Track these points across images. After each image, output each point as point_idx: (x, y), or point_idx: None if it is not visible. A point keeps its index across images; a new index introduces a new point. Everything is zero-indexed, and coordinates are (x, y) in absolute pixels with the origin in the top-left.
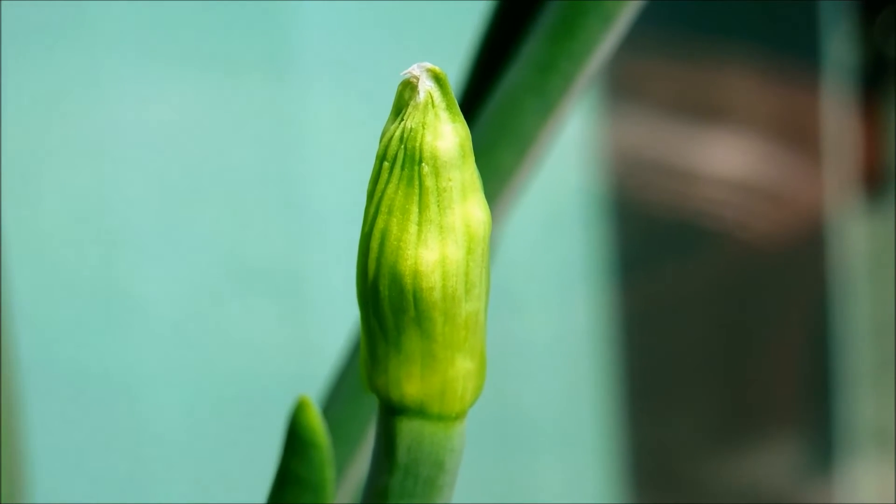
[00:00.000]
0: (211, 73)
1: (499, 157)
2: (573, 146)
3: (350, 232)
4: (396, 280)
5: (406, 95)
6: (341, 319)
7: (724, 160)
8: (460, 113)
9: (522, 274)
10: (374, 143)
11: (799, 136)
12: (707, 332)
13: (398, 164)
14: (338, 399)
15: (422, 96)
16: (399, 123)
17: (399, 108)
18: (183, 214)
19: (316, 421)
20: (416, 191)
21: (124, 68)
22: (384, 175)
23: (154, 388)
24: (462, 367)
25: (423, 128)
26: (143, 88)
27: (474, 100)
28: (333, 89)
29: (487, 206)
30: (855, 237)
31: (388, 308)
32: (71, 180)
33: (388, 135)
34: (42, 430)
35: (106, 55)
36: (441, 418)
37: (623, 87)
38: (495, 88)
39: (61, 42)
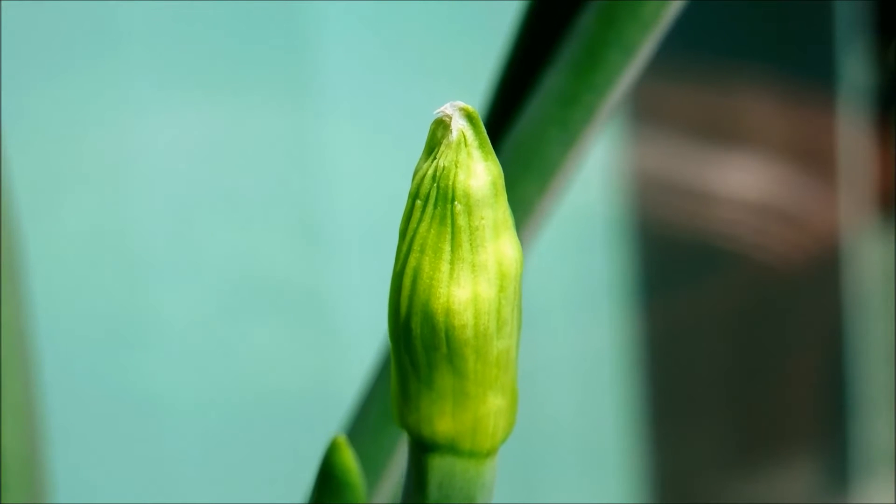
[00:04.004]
0: (231, 96)
1: (522, 189)
2: (595, 169)
3: (369, 252)
4: (428, 318)
5: (439, 134)
6: (361, 339)
7: (742, 183)
8: (493, 151)
9: (544, 295)
10: (393, 163)
11: (815, 159)
12: (724, 353)
13: (431, 202)
14: (361, 433)
15: (454, 135)
16: (432, 162)
17: (432, 147)
18: (202, 235)
19: (350, 461)
20: (449, 229)
21: (144, 91)
22: (416, 213)
23: (174, 407)
24: (493, 404)
25: (456, 166)
26: (163, 111)
27: (497, 132)
28: (354, 111)
29: (519, 244)
30: (870, 259)
31: (419, 345)
32: (91, 201)
33: (420, 173)
34: (64, 448)
35: (126, 79)
36: (472, 455)
37: (643, 111)
38: (518, 120)
39: (81, 65)
